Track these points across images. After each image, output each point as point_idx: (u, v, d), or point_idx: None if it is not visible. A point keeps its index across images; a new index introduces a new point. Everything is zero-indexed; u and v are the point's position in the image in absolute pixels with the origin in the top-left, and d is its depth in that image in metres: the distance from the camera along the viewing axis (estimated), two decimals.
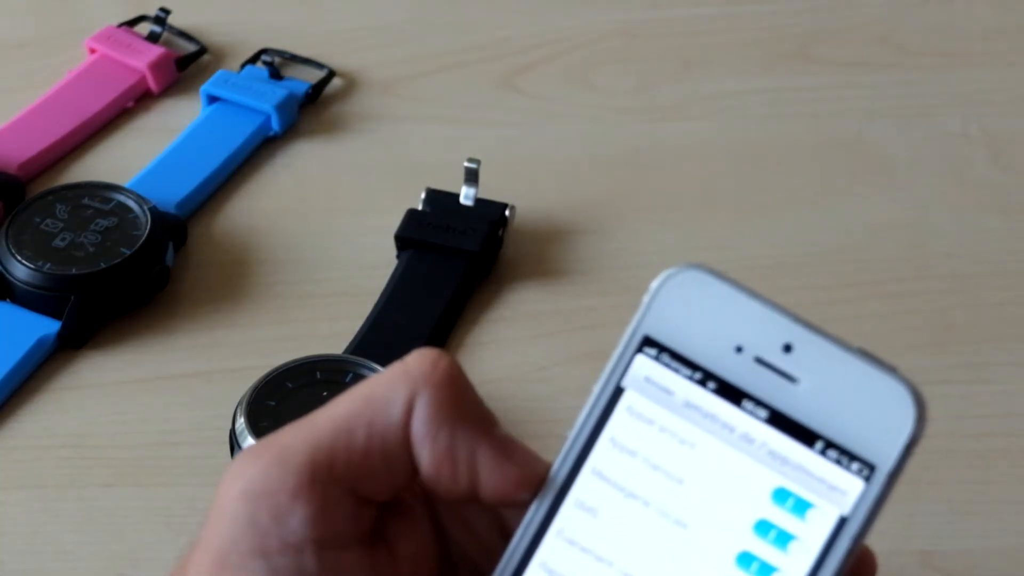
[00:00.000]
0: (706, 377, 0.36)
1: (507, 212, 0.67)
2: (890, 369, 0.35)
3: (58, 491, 0.59)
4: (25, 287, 0.63)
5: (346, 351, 0.61)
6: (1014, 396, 0.61)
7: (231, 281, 0.66)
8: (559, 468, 0.37)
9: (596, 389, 0.37)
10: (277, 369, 0.58)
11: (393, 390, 0.36)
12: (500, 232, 0.66)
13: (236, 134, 0.72)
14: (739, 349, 0.36)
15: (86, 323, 0.63)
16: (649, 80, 0.76)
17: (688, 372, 0.36)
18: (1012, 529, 0.56)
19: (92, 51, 0.76)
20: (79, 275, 0.63)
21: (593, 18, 0.80)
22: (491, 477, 0.36)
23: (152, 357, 0.63)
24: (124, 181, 0.68)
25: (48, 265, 0.63)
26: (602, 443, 0.36)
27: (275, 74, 0.75)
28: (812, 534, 0.35)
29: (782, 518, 0.35)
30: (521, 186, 0.70)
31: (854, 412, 0.35)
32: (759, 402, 0.35)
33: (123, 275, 0.64)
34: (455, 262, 0.65)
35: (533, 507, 0.37)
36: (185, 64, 0.77)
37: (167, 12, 0.78)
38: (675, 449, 0.36)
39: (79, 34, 0.77)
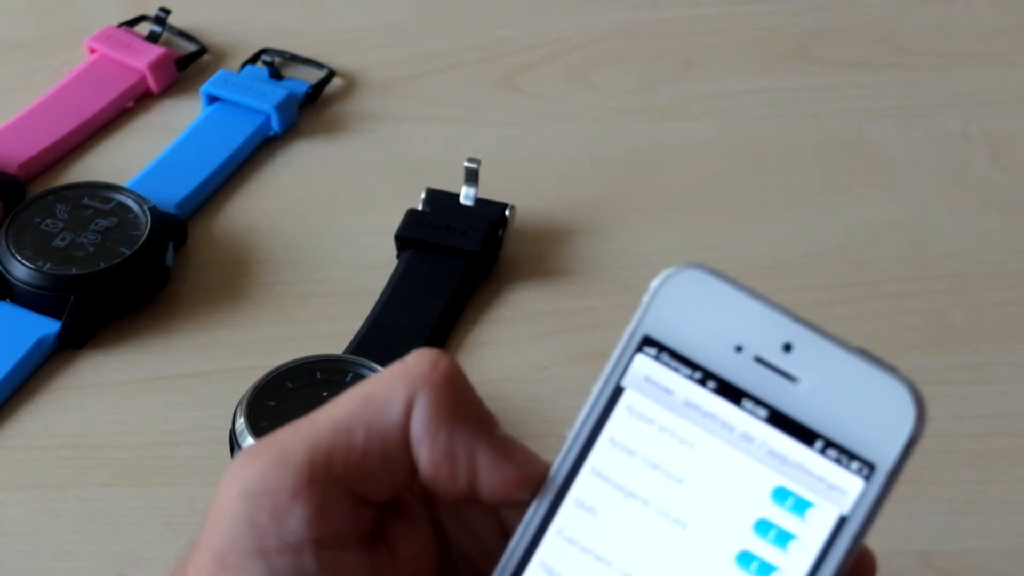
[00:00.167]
0: (706, 376, 0.36)
1: (507, 212, 0.67)
2: (890, 368, 0.35)
3: (58, 491, 0.59)
4: (25, 287, 0.63)
5: (346, 351, 0.61)
6: (1014, 396, 0.61)
7: (231, 281, 0.66)
8: (559, 467, 0.37)
9: (596, 389, 0.37)
10: (277, 369, 0.58)
11: (392, 390, 0.36)
12: (500, 232, 0.66)
13: (236, 134, 0.72)
14: (739, 348, 0.36)
15: (86, 323, 0.63)
16: (649, 80, 0.76)
17: (688, 371, 0.36)
18: (1012, 529, 0.56)
19: (92, 51, 0.76)
20: (79, 275, 0.63)
21: (593, 18, 0.80)
22: (490, 477, 0.36)
23: (152, 357, 0.63)
24: (124, 181, 0.68)
25: (48, 265, 0.63)
26: (602, 442, 0.36)
27: (275, 74, 0.75)
28: (812, 533, 0.35)
29: (782, 517, 0.35)
30: (521, 186, 0.70)
31: (854, 411, 0.35)
32: (759, 401, 0.35)
33: (123, 275, 0.64)
34: (455, 262, 0.65)
35: (533, 506, 0.37)
36: (185, 64, 0.77)
37: (167, 12, 0.78)
38: (675, 448, 0.36)
39: (79, 34, 0.77)
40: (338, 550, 0.36)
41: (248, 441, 0.56)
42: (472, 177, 0.66)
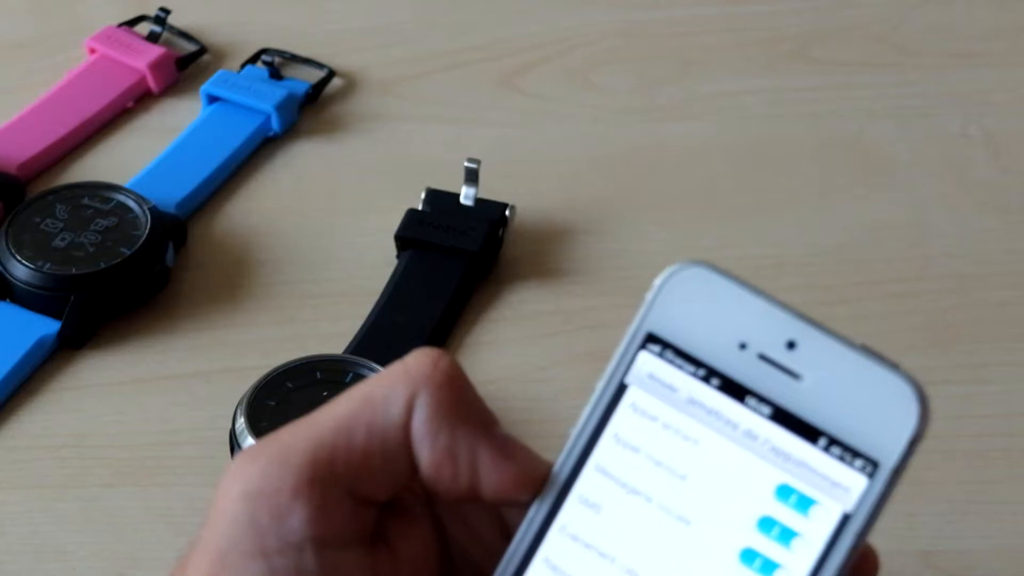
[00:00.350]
0: (709, 374, 0.36)
1: (507, 212, 0.67)
2: (893, 366, 0.35)
3: (58, 491, 0.59)
4: (25, 287, 0.63)
5: (346, 351, 0.61)
6: (1014, 396, 0.61)
7: (231, 281, 0.66)
8: (562, 464, 0.37)
9: (600, 386, 0.37)
10: (277, 369, 0.58)
11: (393, 390, 0.36)
12: (500, 232, 0.66)
13: (236, 134, 0.72)
14: (743, 346, 0.36)
15: (86, 323, 0.63)
16: (649, 80, 0.76)
17: (692, 369, 0.36)
18: (1012, 529, 0.56)
19: (92, 51, 0.76)
20: (79, 275, 0.63)
21: (593, 18, 0.80)
22: (491, 477, 0.36)
23: (152, 357, 0.63)
24: (124, 181, 0.68)
25: (48, 265, 0.63)
26: (605, 439, 0.36)
27: (275, 74, 0.75)
28: (815, 531, 0.35)
29: (785, 515, 0.35)
30: (521, 186, 0.70)
31: (857, 409, 0.35)
32: (762, 399, 0.35)
33: (123, 275, 0.64)
34: (455, 262, 0.65)
35: (536, 504, 0.37)
36: (185, 64, 0.77)
37: (167, 12, 0.78)
38: (679, 445, 0.36)
39: (79, 34, 0.77)
40: (339, 550, 0.36)
41: (248, 441, 0.56)
42: (472, 177, 0.66)
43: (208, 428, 0.60)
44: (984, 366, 0.62)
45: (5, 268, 0.64)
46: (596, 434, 0.36)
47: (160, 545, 0.56)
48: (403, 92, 0.76)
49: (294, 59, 0.76)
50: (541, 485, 0.37)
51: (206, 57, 0.78)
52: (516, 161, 0.72)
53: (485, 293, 0.66)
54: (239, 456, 0.37)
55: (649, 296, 0.36)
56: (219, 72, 0.74)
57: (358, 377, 0.58)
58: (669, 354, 0.36)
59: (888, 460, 0.34)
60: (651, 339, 0.36)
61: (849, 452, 0.35)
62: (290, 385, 0.58)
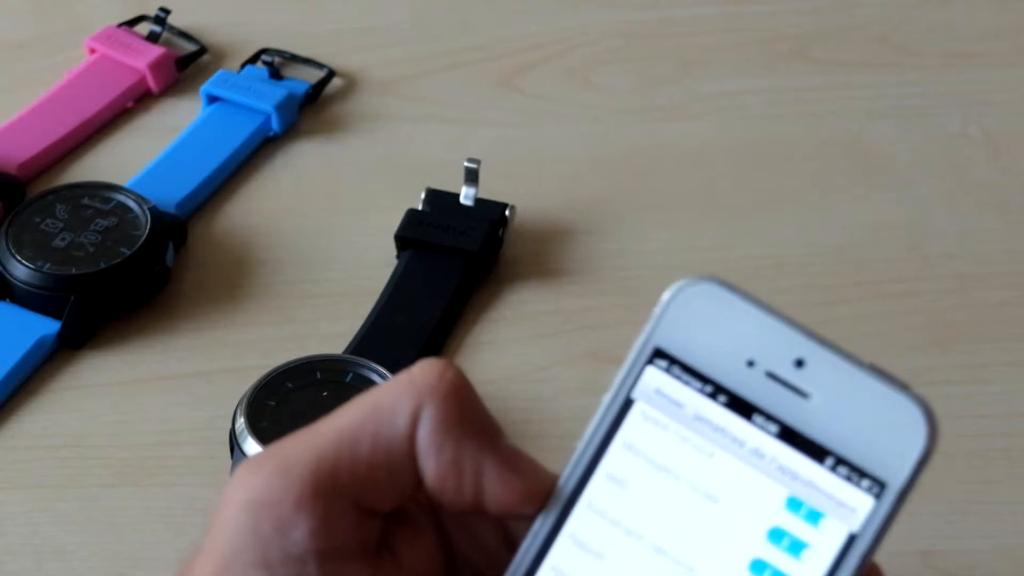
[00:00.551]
0: (717, 390, 0.35)
1: (507, 212, 0.67)
2: (902, 386, 0.34)
3: (58, 491, 0.59)
4: (25, 287, 0.63)
5: (346, 351, 0.61)
6: (1014, 396, 0.61)
7: (231, 281, 0.66)
8: (568, 476, 0.36)
9: (606, 400, 0.36)
10: (277, 369, 0.58)
11: (398, 401, 0.36)
12: (500, 232, 0.66)
13: (236, 134, 0.72)
14: (751, 363, 0.35)
15: (86, 323, 0.63)
16: (649, 80, 0.76)
17: (699, 385, 0.36)
18: (1012, 529, 0.56)
19: (92, 51, 0.76)
20: (79, 275, 0.63)
21: (593, 18, 0.80)
22: (496, 490, 0.36)
23: (152, 357, 0.63)
24: (124, 181, 0.68)
25: (48, 265, 0.63)
26: (612, 453, 0.36)
27: (275, 74, 0.75)
28: (819, 551, 0.35)
29: (790, 535, 0.35)
30: (521, 186, 0.70)
31: (865, 429, 0.34)
32: (770, 417, 0.35)
33: (123, 275, 0.64)
34: (455, 262, 0.65)
35: (542, 516, 0.36)
36: (185, 64, 0.77)
37: (167, 12, 0.78)
38: (685, 461, 0.36)
39: (79, 34, 0.77)
40: (342, 561, 0.35)
41: (248, 441, 0.56)
42: (472, 177, 0.66)
43: (208, 428, 0.60)
44: (984, 366, 0.62)
45: (5, 268, 0.64)
46: (603, 447, 0.36)
47: (160, 545, 0.56)
48: (403, 92, 0.76)
49: (294, 59, 0.76)
50: (546, 498, 0.36)
51: (206, 57, 0.78)
52: (516, 161, 0.72)
53: (485, 293, 0.66)
54: (243, 464, 0.36)
55: (657, 311, 0.36)
56: (219, 72, 0.74)
57: (358, 377, 0.58)
58: (676, 370, 0.36)
59: (895, 481, 0.34)
60: (658, 354, 0.36)
61: (856, 472, 0.34)
62: (290, 385, 0.58)
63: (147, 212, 0.65)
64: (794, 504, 0.35)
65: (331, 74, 0.76)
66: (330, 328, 0.64)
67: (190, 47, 0.77)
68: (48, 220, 0.65)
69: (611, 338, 0.63)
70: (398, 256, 0.66)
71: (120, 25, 0.78)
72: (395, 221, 0.66)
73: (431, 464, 0.36)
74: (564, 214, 0.69)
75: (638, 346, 0.36)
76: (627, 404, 0.36)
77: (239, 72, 0.75)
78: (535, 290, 0.66)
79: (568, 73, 0.77)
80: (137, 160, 0.71)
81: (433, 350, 0.62)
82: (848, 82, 0.76)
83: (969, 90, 0.75)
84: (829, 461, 0.35)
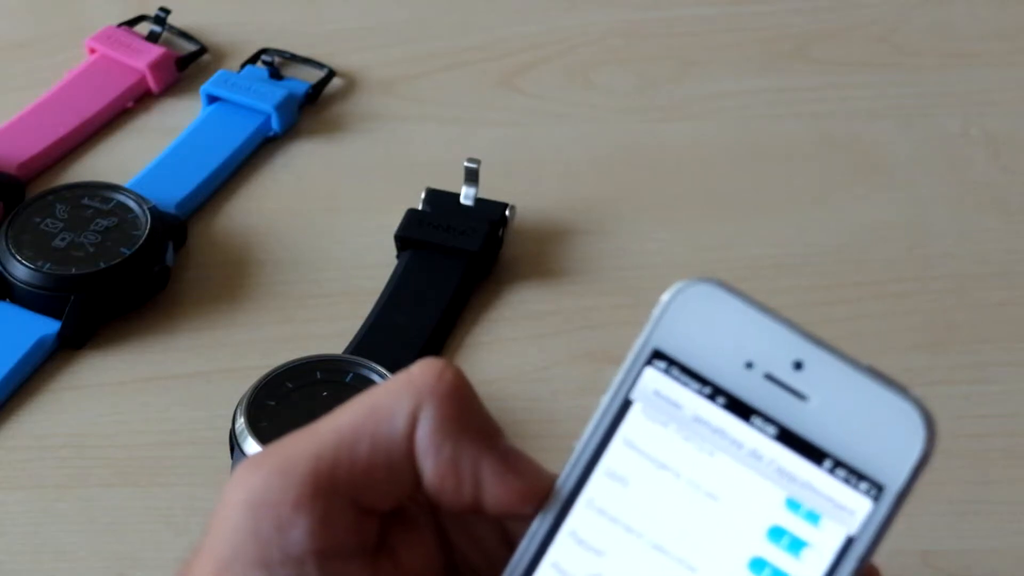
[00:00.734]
0: (715, 392, 0.35)
1: (507, 212, 0.67)
2: (901, 389, 0.34)
3: (58, 491, 0.59)
4: (25, 287, 0.63)
5: (346, 351, 0.61)
6: (1014, 396, 0.61)
7: (231, 281, 0.66)
8: (567, 476, 0.36)
9: (605, 401, 0.36)
10: (277, 369, 0.58)
11: (397, 401, 0.36)
12: (500, 232, 0.66)
13: (236, 134, 0.72)
14: (749, 365, 0.35)
15: (86, 323, 0.63)
16: (649, 80, 0.76)
17: (697, 386, 0.36)
18: (1012, 529, 0.56)
19: (92, 51, 0.76)
20: (79, 275, 0.63)
21: (593, 18, 0.80)
22: (495, 490, 0.36)
23: (152, 357, 0.63)
24: (124, 181, 0.68)
25: (48, 265, 0.63)
26: (610, 453, 0.36)
27: (275, 74, 0.75)
28: (817, 553, 0.35)
29: (787, 537, 0.35)
30: (521, 186, 0.70)
31: (864, 431, 0.34)
32: (768, 419, 0.35)
33: (123, 275, 0.64)
34: (455, 262, 0.65)
35: (540, 516, 0.36)
36: (185, 64, 0.77)
37: (167, 12, 0.78)
38: (683, 462, 0.36)
39: (79, 34, 0.77)
40: (342, 561, 0.35)
41: (248, 441, 0.56)
42: (472, 177, 0.66)
43: (208, 428, 0.60)
44: (984, 366, 0.62)
45: (5, 268, 0.64)
46: (601, 447, 0.36)
47: (160, 545, 0.56)
48: (403, 92, 0.76)
49: (294, 59, 0.76)
50: (545, 498, 0.36)
51: (206, 57, 0.78)
52: (516, 161, 0.72)
53: (485, 293, 0.66)
54: (242, 464, 0.36)
55: (656, 312, 0.36)
56: (219, 72, 0.74)
57: (358, 377, 0.58)
58: (675, 371, 0.36)
59: (893, 484, 0.34)
60: (657, 355, 0.36)
61: (854, 475, 0.34)
62: (290, 385, 0.58)
63: (147, 212, 0.65)
64: (792, 506, 0.35)
65: (331, 74, 0.76)
66: (330, 328, 0.64)
67: (190, 47, 0.77)
68: (48, 220, 0.65)
69: (611, 338, 0.63)
70: (398, 256, 0.66)
71: (120, 25, 0.78)
72: (395, 221, 0.66)
73: (430, 464, 0.36)
74: (564, 214, 0.69)
75: (637, 347, 0.36)
76: (625, 405, 0.36)
77: (239, 72, 0.75)
78: (535, 290, 0.66)
79: (568, 73, 0.77)
80: (137, 160, 0.71)
81: (433, 350, 0.62)
82: (848, 82, 0.76)
83: (969, 90, 0.75)
84: (827, 463, 0.35)
